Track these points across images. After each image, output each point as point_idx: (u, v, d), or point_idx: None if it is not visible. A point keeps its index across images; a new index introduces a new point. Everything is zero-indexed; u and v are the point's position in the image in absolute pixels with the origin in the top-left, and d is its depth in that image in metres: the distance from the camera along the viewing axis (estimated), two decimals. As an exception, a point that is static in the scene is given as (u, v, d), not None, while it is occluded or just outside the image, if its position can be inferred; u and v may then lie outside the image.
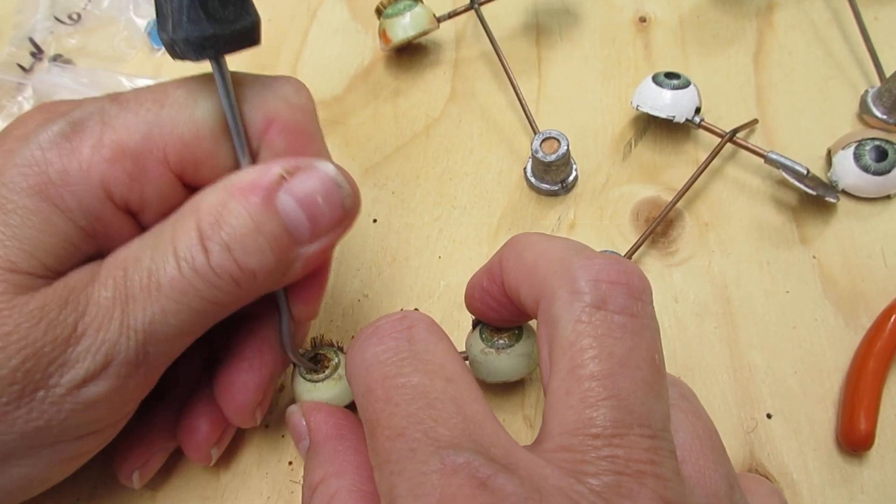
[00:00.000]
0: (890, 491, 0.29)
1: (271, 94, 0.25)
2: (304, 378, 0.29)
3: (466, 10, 0.42)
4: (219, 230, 0.23)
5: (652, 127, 0.40)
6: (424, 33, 0.41)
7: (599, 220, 0.37)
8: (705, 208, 0.37)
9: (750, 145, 0.36)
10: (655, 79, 0.38)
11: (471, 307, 0.28)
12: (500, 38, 0.41)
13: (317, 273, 0.27)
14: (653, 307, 0.21)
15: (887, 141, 0.35)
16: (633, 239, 0.35)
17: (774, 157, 0.35)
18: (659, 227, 0.36)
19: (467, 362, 0.30)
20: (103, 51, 0.46)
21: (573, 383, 0.19)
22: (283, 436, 0.32)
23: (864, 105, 0.38)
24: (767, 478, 0.30)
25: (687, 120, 0.37)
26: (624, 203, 0.37)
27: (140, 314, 0.23)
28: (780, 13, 0.43)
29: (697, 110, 0.37)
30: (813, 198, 0.36)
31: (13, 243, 0.23)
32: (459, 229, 0.37)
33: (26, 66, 0.45)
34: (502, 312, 0.27)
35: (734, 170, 0.38)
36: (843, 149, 0.36)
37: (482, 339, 0.29)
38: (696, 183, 0.36)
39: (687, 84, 0.37)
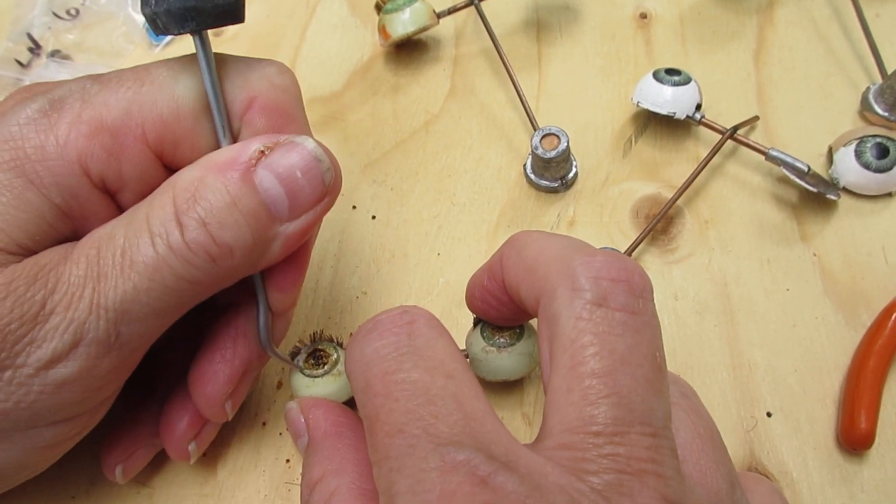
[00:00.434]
0: (890, 490, 0.29)
1: (254, 74, 0.25)
2: (303, 374, 0.29)
3: (466, 6, 0.42)
4: (194, 205, 0.23)
5: (652, 123, 0.39)
6: (424, 29, 0.41)
7: (599, 217, 0.37)
8: (706, 205, 0.37)
9: (751, 142, 0.36)
10: (656, 75, 0.37)
11: (471, 306, 0.28)
12: (500, 34, 0.41)
13: (295, 258, 0.26)
14: (654, 304, 0.21)
15: (889, 138, 0.35)
16: (633, 236, 0.35)
17: (775, 154, 0.35)
18: (659, 224, 0.36)
19: (468, 360, 0.30)
20: (101, 46, 0.45)
21: (574, 381, 0.19)
22: (280, 433, 0.32)
23: (865, 102, 0.38)
24: (767, 476, 0.30)
25: (687, 116, 0.37)
26: (624, 200, 0.37)
27: (111, 292, 0.22)
28: (780, 9, 0.43)
29: (698, 107, 0.37)
30: (814, 195, 0.36)
31: None
32: (458, 226, 0.37)
33: (24, 61, 0.45)
34: (503, 311, 0.27)
35: (735, 167, 0.38)
36: (844, 146, 0.36)
37: (483, 338, 0.29)
38: (696, 180, 0.36)
39: (688, 80, 0.37)
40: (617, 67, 0.42)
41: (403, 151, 0.40)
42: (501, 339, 0.29)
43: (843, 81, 0.40)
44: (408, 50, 0.44)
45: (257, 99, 0.25)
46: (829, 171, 0.36)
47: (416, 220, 0.37)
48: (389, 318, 0.22)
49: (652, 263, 0.35)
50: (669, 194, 0.36)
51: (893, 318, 0.31)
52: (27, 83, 0.43)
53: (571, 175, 0.37)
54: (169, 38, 0.45)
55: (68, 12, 0.46)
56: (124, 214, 0.24)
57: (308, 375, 0.29)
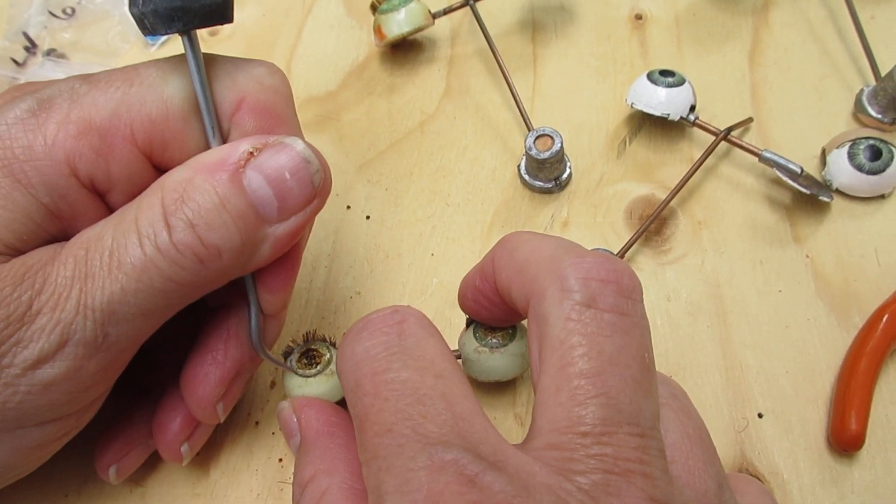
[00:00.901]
0: (880, 491, 0.29)
1: (243, 75, 0.25)
2: (296, 373, 0.29)
3: (462, 6, 0.42)
4: (182, 206, 0.23)
5: (646, 125, 0.40)
6: (419, 29, 0.41)
7: (593, 218, 0.37)
8: (699, 207, 0.37)
9: (744, 144, 0.36)
10: (650, 76, 0.38)
11: (464, 306, 0.28)
12: (496, 34, 0.41)
13: (286, 259, 0.26)
14: (643, 305, 0.21)
15: (882, 140, 0.35)
16: (627, 237, 0.35)
17: (769, 155, 0.35)
18: (652, 225, 0.36)
19: (460, 361, 0.30)
20: (97, 45, 0.45)
21: (562, 381, 0.19)
22: (273, 433, 0.32)
23: (859, 104, 0.38)
24: (758, 478, 0.30)
25: (681, 118, 0.37)
26: (618, 201, 0.37)
27: (98, 293, 0.22)
28: (775, 11, 0.43)
29: (692, 108, 0.37)
30: (807, 197, 0.36)
31: None
32: (452, 227, 0.37)
33: (20, 60, 0.45)
34: (495, 311, 0.27)
35: (728, 168, 0.38)
36: (837, 148, 0.36)
37: (476, 338, 0.29)
38: (690, 181, 0.36)
39: (682, 82, 0.37)
40: (612, 68, 0.42)
41: (398, 151, 0.40)
42: (494, 340, 0.29)
43: (837, 83, 0.40)
44: (403, 50, 0.44)
45: (246, 99, 0.25)
46: (823, 173, 0.37)
47: (411, 221, 0.37)
48: (380, 317, 0.22)
49: (645, 264, 0.35)
50: (663, 195, 0.36)
51: (885, 319, 0.31)
52: (22, 82, 0.44)
53: (565, 176, 0.37)
54: (165, 37, 0.45)
55: (64, 11, 0.46)
56: (113, 215, 0.24)
57: (301, 375, 0.29)
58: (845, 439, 0.29)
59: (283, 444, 0.32)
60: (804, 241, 0.35)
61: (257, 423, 0.32)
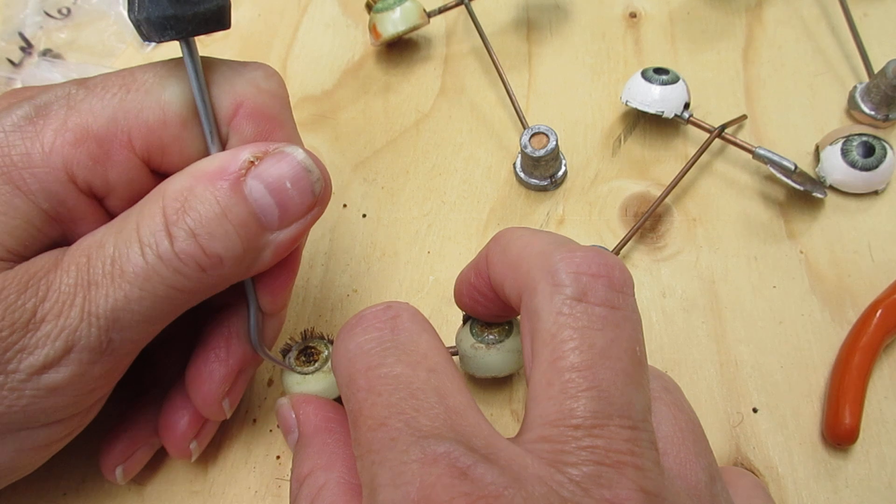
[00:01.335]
0: (874, 484, 0.29)
1: (240, 79, 0.25)
2: (294, 370, 0.29)
3: (457, 5, 0.42)
4: (184, 215, 0.23)
5: (641, 122, 0.40)
6: (414, 28, 0.41)
7: (588, 216, 0.37)
8: (693, 203, 0.37)
9: (738, 141, 0.36)
10: (645, 74, 0.38)
11: (459, 303, 0.28)
12: (491, 33, 0.41)
13: (286, 263, 0.26)
14: (634, 299, 0.21)
15: (875, 137, 0.36)
16: (622, 234, 0.36)
17: (762, 152, 0.35)
18: (647, 222, 0.36)
19: (457, 357, 0.30)
20: (93, 45, 0.45)
21: (554, 374, 0.19)
22: (270, 430, 0.32)
23: (852, 101, 0.39)
24: (753, 472, 0.30)
25: (676, 115, 0.37)
26: (613, 198, 0.37)
27: (102, 301, 0.22)
28: (769, 9, 0.43)
29: (686, 106, 0.38)
30: (801, 193, 0.36)
31: None
32: (448, 224, 0.37)
33: (16, 60, 0.45)
34: (490, 308, 0.27)
35: (722, 165, 0.38)
36: (830, 144, 0.36)
37: (472, 334, 0.29)
38: (684, 178, 0.36)
39: (676, 79, 0.37)
40: (606, 66, 0.42)
41: (394, 150, 0.40)
42: (490, 336, 0.29)
43: (830, 80, 0.40)
44: (398, 49, 0.44)
45: (244, 104, 0.25)
46: (816, 170, 0.37)
47: (407, 219, 0.37)
48: (373, 313, 0.22)
49: (640, 261, 0.35)
50: (658, 192, 0.36)
51: (878, 314, 0.32)
52: (19, 82, 0.44)
53: (561, 173, 0.38)
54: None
55: (60, 11, 0.46)
56: (114, 221, 0.24)
57: (299, 372, 0.29)
58: (839, 433, 0.29)
59: (280, 441, 0.32)
60: (798, 238, 0.35)
61: (255, 420, 0.32)
